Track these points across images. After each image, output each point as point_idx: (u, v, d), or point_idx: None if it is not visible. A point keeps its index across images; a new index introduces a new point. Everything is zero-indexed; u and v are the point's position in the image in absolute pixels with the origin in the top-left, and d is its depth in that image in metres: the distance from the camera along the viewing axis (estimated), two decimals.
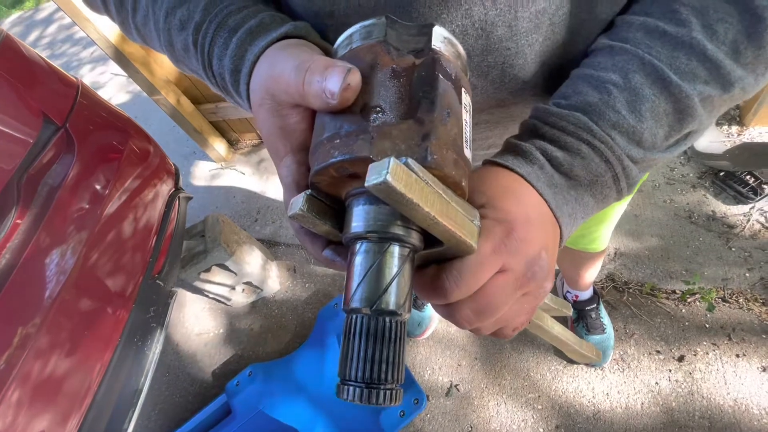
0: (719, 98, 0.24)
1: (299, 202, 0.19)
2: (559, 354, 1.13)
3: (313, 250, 0.22)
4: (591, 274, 0.96)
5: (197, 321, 1.61)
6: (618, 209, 0.64)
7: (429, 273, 0.20)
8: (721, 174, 1.26)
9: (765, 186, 1.18)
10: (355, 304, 0.17)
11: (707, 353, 1.03)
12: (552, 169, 0.23)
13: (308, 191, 0.19)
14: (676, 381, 1.01)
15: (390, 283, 0.17)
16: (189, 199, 1.20)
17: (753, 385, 0.96)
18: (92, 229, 0.84)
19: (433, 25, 0.20)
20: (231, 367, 1.44)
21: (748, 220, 1.18)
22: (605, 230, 0.69)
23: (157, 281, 0.93)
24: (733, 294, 1.08)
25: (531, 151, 0.23)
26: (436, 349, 1.25)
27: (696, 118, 0.24)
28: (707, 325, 1.06)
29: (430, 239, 0.19)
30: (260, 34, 0.24)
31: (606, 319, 1.09)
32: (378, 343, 0.16)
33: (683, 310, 1.10)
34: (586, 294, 1.10)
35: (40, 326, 0.73)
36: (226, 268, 1.33)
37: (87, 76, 3.39)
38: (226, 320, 1.56)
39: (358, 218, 0.18)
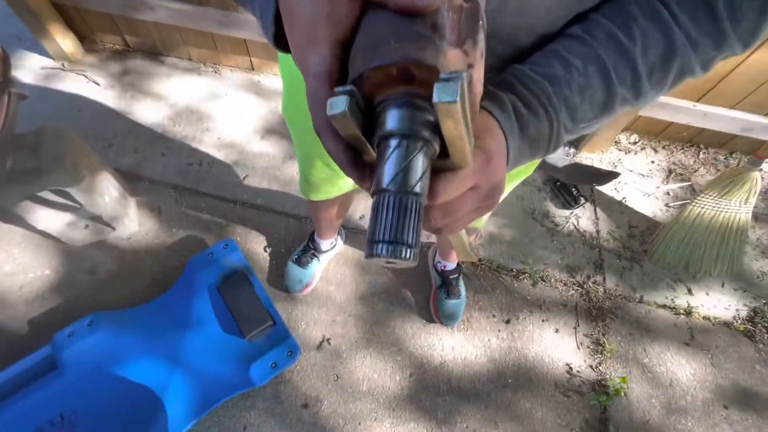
0: (630, 102, 0.31)
1: (343, 102, 0.19)
2: (422, 314, 1.30)
3: (335, 147, 0.23)
4: None
5: (9, 257, 1.26)
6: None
7: None
8: (558, 183, 1.60)
9: (581, 198, 1.56)
10: (390, 186, 0.20)
11: (525, 318, 1.33)
12: (515, 120, 0.28)
13: (349, 88, 0.20)
14: (503, 339, 1.29)
15: (422, 175, 0.21)
16: (23, 97, 0.90)
17: (549, 342, 1.30)
18: None
19: None
20: (59, 316, 1.19)
21: (567, 222, 1.54)
22: None
23: None
24: (549, 275, 1.41)
25: (505, 102, 0.28)
26: (313, 306, 1.28)
27: (613, 111, 0.32)
28: (529, 297, 1.37)
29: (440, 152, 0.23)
30: None
31: (462, 287, 1.30)
32: (404, 213, 0.20)
33: (516, 285, 1.39)
34: (452, 265, 1.28)
35: None
36: (69, 197, 1.08)
37: None
38: (57, 260, 1.27)
39: (400, 119, 0.21)
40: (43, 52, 1.65)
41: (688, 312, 1.38)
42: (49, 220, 1.14)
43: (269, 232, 1.40)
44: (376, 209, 0.20)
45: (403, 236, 0.19)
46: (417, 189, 0.20)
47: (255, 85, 1.73)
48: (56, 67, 1.66)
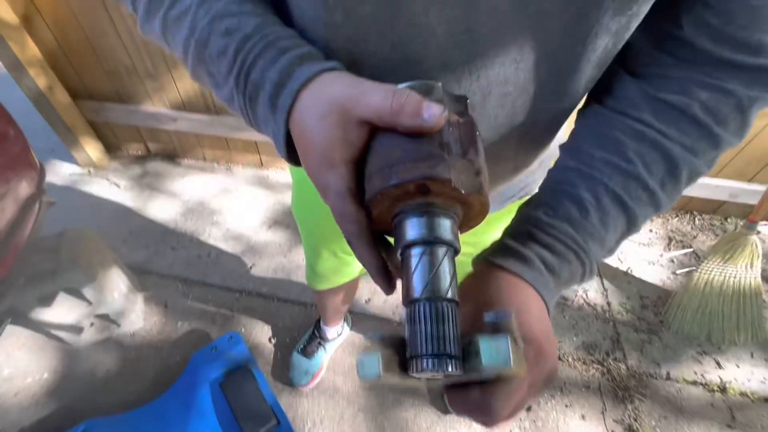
0: (651, 216, 0.32)
1: (375, 364, 0.20)
2: (436, 404, 1.21)
3: (369, 258, 0.24)
4: None
5: (9, 360, 1.24)
6: None
7: (473, 395, 0.23)
8: None
9: None
10: (422, 296, 0.21)
11: (547, 403, 1.24)
12: (547, 273, 0.29)
13: (378, 336, 0.21)
14: (525, 428, 1.18)
15: (452, 279, 0.21)
16: (51, 204, 0.98)
17: (575, 430, 1.19)
18: None
19: (467, 98, 0.25)
20: (54, 423, 1.12)
21: (575, 296, 1.52)
22: None
23: None
24: (565, 354, 1.35)
25: (532, 258, 0.28)
26: (320, 401, 1.21)
27: (637, 230, 0.33)
28: None
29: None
30: (310, 60, 0.26)
31: None
32: (442, 322, 0.20)
33: None
34: None
35: None
36: (79, 295, 1.10)
37: None
38: (58, 361, 1.24)
39: (420, 227, 0.22)
40: (72, 161, 1.82)
41: (722, 388, 1.29)
42: (56, 319, 1.14)
43: (275, 322, 1.38)
44: (412, 321, 0.21)
45: (446, 347, 0.20)
46: (450, 294, 0.21)
47: (264, 180, 1.86)
48: (83, 173, 1.81)
